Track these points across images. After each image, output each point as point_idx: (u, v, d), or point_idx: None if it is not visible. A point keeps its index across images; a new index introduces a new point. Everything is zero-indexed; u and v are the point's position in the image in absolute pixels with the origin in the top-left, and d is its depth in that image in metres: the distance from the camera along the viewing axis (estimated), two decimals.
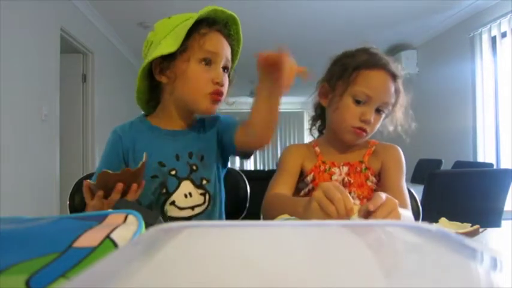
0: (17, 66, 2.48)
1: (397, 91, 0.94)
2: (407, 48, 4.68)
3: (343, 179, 0.96)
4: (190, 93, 0.89)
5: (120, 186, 0.74)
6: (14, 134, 2.45)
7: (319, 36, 4.41)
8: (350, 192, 0.94)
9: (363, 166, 0.97)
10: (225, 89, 0.91)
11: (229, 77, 0.95)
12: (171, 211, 0.89)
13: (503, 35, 3.21)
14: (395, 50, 4.88)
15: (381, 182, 0.96)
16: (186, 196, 0.90)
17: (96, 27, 3.82)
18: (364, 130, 0.91)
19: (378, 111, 0.92)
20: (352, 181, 0.95)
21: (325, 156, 1.00)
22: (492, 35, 3.33)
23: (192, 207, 0.90)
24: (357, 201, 0.91)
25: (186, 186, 0.90)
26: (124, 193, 0.76)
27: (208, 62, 0.88)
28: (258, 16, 3.83)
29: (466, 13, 3.66)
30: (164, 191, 0.90)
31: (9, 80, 2.37)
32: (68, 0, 3.23)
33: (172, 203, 0.90)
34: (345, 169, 0.97)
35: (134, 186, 0.76)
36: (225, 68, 0.92)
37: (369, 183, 0.95)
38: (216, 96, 0.89)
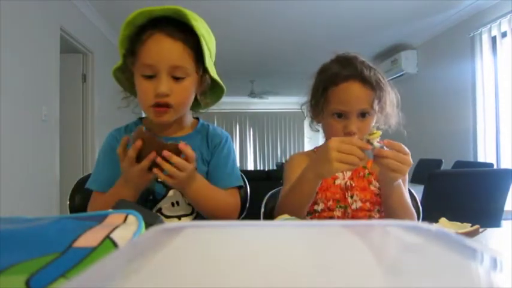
0: (17, 66, 2.48)
1: (377, 89, 0.92)
2: (407, 48, 4.68)
3: (345, 183, 0.97)
4: (140, 104, 0.88)
5: (153, 155, 0.76)
6: (14, 134, 2.45)
7: (319, 36, 4.41)
8: (353, 195, 0.95)
9: (366, 171, 0.98)
10: (173, 97, 0.83)
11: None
12: None
13: (503, 35, 3.21)
14: (395, 50, 4.88)
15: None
16: (173, 205, 0.89)
17: (96, 27, 3.82)
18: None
19: (363, 115, 0.92)
20: (354, 185, 0.96)
21: None
22: (492, 35, 3.33)
23: (179, 217, 0.89)
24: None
25: (174, 194, 0.89)
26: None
27: (148, 76, 0.82)
28: (258, 17, 3.83)
29: (466, 13, 3.66)
30: (151, 197, 0.89)
31: (10, 80, 2.37)
32: (68, 0, 3.23)
33: (159, 210, 0.89)
34: (348, 173, 0.98)
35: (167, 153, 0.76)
36: (176, 75, 0.83)
37: (372, 188, 0.96)
38: (158, 108, 0.83)
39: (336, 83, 0.92)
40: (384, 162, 0.76)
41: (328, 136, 0.97)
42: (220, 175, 0.92)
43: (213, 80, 0.90)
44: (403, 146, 0.77)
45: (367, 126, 0.93)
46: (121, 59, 0.86)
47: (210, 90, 0.95)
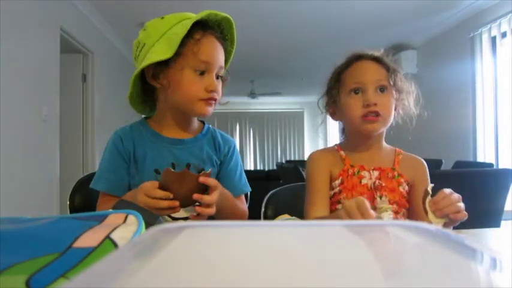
0: (17, 66, 2.48)
1: (390, 67, 0.93)
2: (407, 48, 4.68)
3: (374, 183, 0.93)
4: (184, 99, 0.89)
5: (174, 203, 0.77)
6: (14, 134, 2.45)
7: (319, 36, 4.41)
8: (381, 196, 0.91)
9: (395, 173, 0.94)
10: (218, 93, 0.91)
11: (222, 78, 0.94)
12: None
13: (503, 35, 3.21)
14: (395, 50, 4.88)
15: (409, 196, 0.94)
16: None
17: (96, 27, 3.81)
18: (375, 112, 0.89)
19: (382, 90, 0.91)
20: (384, 184, 0.92)
21: (353, 160, 0.97)
22: (492, 35, 3.33)
23: (185, 219, 0.89)
24: (386, 204, 0.89)
25: None
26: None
27: (202, 72, 0.88)
28: (258, 17, 3.83)
29: (466, 13, 3.66)
30: None
31: (10, 80, 2.37)
32: (68, 0, 3.23)
33: None
34: (376, 173, 0.94)
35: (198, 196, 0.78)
36: (218, 75, 0.91)
37: (401, 189, 0.93)
38: (209, 101, 0.90)
39: (351, 64, 0.94)
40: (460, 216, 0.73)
41: (349, 117, 0.94)
42: (231, 184, 0.96)
43: None
44: (445, 191, 0.75)
45: (387, 102, 0.91)
46: (169, 53, 0.85)
47: None
